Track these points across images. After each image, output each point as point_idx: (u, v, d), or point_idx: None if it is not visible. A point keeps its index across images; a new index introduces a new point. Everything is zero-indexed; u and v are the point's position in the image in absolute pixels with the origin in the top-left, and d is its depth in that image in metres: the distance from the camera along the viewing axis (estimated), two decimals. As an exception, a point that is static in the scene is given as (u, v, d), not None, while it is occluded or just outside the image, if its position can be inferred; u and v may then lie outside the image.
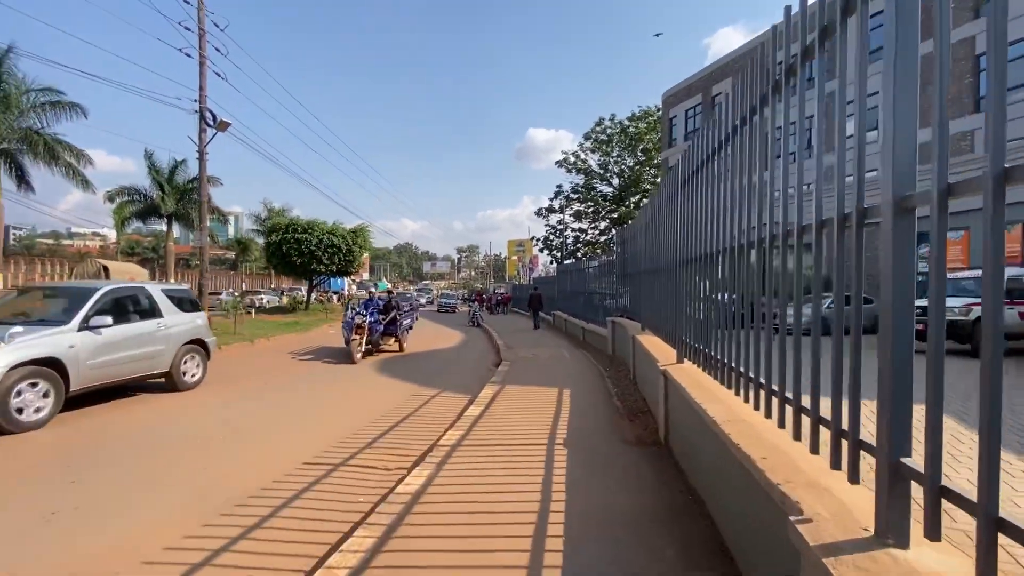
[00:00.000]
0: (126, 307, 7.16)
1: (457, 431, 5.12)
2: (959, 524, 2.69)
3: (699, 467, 3.57)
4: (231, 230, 74.86)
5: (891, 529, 1.49)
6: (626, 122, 40.55)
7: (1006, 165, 1.16)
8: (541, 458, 4.32)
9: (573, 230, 44.51)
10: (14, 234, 65.62)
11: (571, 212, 44.17)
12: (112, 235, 51.87)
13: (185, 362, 7.84)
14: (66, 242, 70.81)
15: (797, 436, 2.27)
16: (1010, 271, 9.75)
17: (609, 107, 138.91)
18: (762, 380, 2.66)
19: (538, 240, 47.54)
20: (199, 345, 8.17)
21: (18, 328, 5.82)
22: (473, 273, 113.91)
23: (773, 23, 2.75)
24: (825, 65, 2.09)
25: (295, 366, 10.57)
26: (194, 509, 3.57)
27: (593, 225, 43.43)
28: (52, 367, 5.85)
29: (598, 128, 41.53)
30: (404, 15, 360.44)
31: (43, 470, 4.52)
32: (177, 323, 7.77)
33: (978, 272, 9.50)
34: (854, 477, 1.77)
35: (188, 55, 17.13)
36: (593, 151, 42.42)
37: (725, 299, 3.41)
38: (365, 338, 11.13)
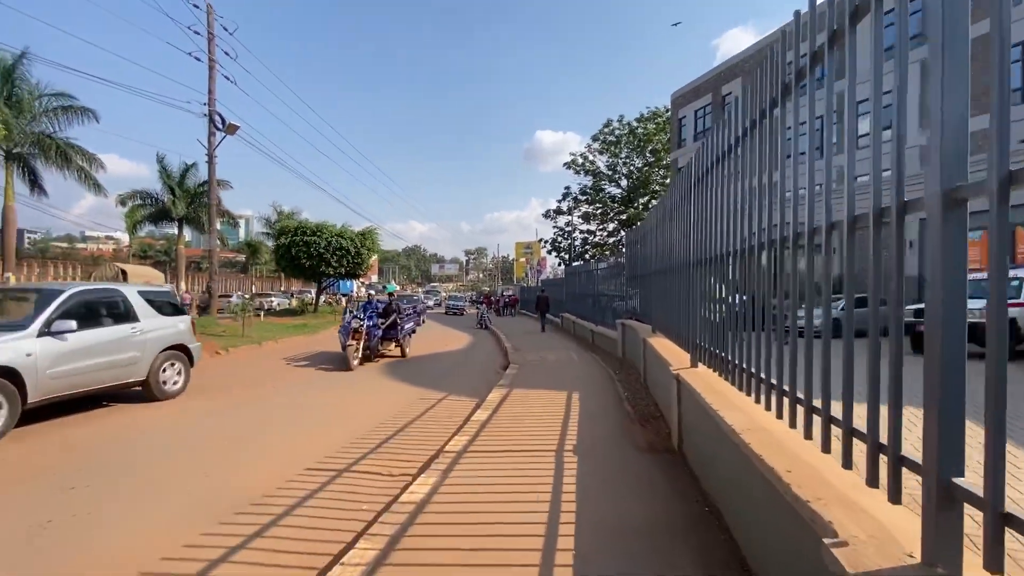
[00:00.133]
0: (97, 311, 6.62)
1: (463, 437, 4.99)
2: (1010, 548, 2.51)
3: (716, 476, 3.41)
4: (242, 233, 75.57)
5: (941, 557, 1.35)
6: (635, 123, 40.34)
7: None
8: (550, 465, 4.19)
9: (581, 232, 44.31)
10: (29, 238, 66.68)
11: (579, 214, 43.97)
12: (125, 238, 52.48)
13: (164, 370, 7.24)
14: (80, 245, 71.91)
15: (826, 448, 2.12)
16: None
17: (617, 108, 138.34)
18: (785, 387, 2.51)
19: (546, 242, 47.37)
20: (181, 351, 7.58)
21: None
22: (481, 275, 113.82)
23: (782, 24, 2.61)
24: (841, 62, 1.94)
25: (289, 372, 9.96)
26: (180, 524, 3.46)
27: (601, 227, 43.16)
28: (6, 377, 5.31)
29: (606, 129, 41.36)
30: (416, 24, 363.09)
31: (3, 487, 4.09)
32: (155, 328, 7.21)
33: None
34: (895, 497, 1.62)
35: (197, 59, 17.28)
36: (601, 152, 42.21)
37: (743, 300, 3.26)
38: (363, 343, 10.54)
